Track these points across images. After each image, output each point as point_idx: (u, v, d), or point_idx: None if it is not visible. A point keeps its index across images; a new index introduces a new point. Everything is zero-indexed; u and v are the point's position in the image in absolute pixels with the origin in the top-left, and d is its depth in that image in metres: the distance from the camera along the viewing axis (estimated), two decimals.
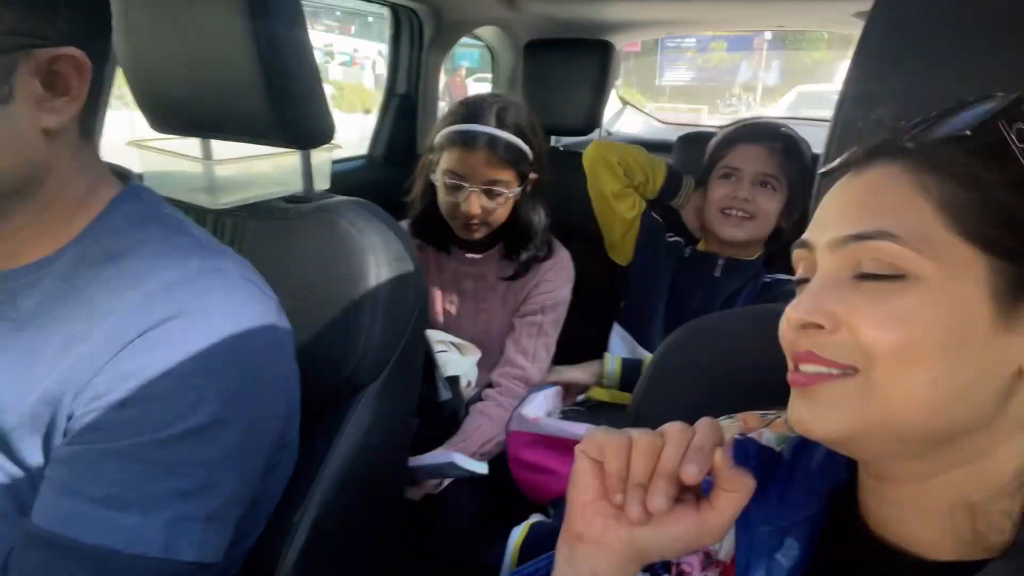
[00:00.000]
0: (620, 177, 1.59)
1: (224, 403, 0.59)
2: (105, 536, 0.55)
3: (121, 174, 0.68)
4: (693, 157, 1.74)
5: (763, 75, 13.77)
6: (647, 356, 1.52)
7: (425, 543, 1.18)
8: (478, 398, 1.41)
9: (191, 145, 0.95)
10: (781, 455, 0.55)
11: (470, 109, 1.33)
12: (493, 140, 1.30)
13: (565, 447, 1.31)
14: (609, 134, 2.38)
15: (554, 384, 1.50)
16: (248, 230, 0.86)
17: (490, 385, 1.43)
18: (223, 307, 0.61)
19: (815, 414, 0.44)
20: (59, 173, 0.60)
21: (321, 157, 0.96)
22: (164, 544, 0.56)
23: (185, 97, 0.83)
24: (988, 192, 0.41)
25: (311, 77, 0.79)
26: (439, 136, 1.35)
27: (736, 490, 0.46)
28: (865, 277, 0.43)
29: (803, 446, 0.54)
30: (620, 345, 1.61)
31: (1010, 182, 0.41)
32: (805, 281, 0.48)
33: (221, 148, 0.96)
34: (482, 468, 1.17)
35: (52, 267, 0.61)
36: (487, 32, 2.22)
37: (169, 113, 0.86)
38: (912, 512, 0.46)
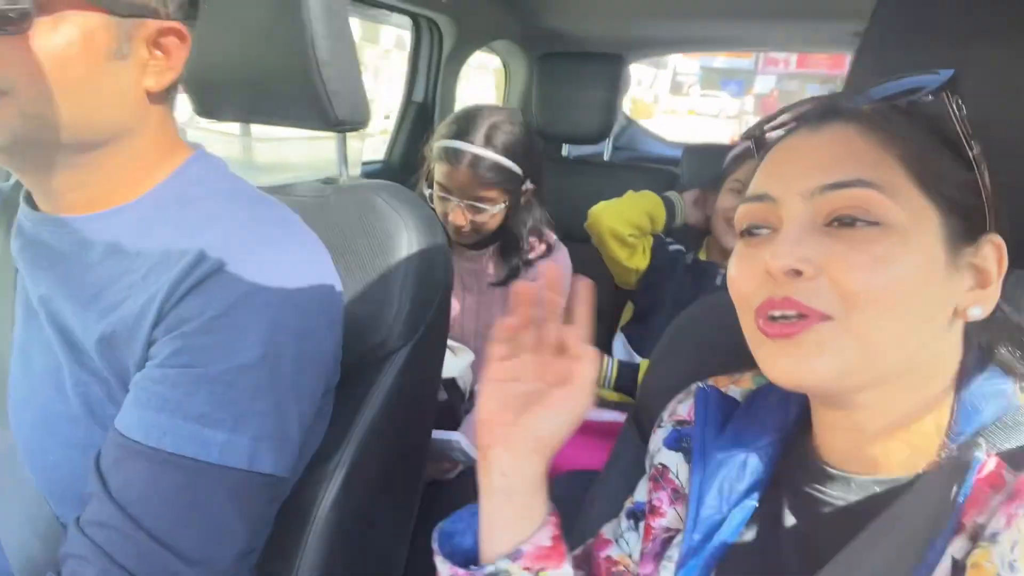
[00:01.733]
0: (630, 242, 1.61)
1: (293, 333, 0.65)
2: (201, 450, 0.61)
3: (192, 145, 0.76)
4: (700, 168, 1.81)
5: None
6: (644, 362, 1.56)
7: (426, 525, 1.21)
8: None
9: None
10: (739, 401, 0.61)
11: (461, 125, 1.36)
12: (477, 160, 1.33)
13: None
14: (616, 148, 2.44)
15: None
16: (289, 205, 0.92)
17: None
18: (292, 247, 0.68)
19: (802, 363, 0.45)
20: (148, 132, 0.68)
21: (353, 145, 1.01)
22: (249, 458, 0.63)
23: (230, 82, 0.88)
24: (934, 151, 0.46)
25: (350, 63, 0.84)
26: (433, 148, 1.40)
27: (581, 356, 0.56)
28: (841, 225, 0.45)
29: (758, 392, 0.60)
30: (621, 351, 1.66)
31: (946, 144, 0.46)
32: (750, 234, 0.51)
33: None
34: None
35: (128, 213, 0.68)
36: (501, 46, 2.30)
37: (214, 98, 0.92)
38: (860, 435, 0.49)
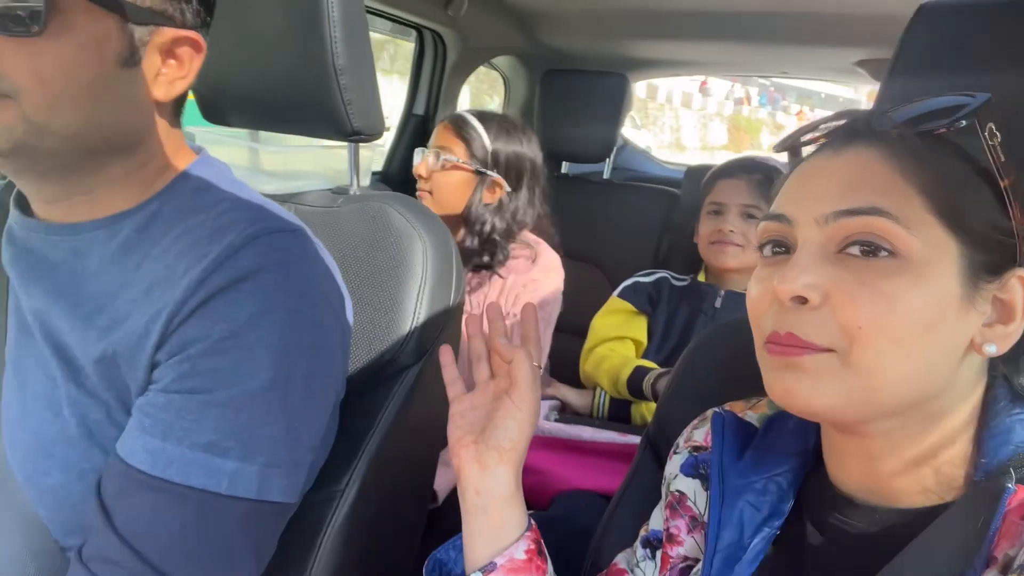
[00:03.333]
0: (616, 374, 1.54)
1: (302, 353, 0.62)
2: (209, 481, 0.58)
3: (194, 148, 0.72)
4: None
5: None
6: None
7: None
8: None
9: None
10: (757, 428, 0.59)
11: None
12: (455, 116, 1.48)
13: (564, 447, 1.33)
14: (614, 169, 2.44)
15: (551, 399, 1.54)
16: (297, 215, 0.90)
17: None
18: (302, 262, 0.65)
19: (802, 387, 0.44)
20: (154, 140, 0.65)
21: (364, 155, 1.00)
22: (258, 487, 0.60)
23: (243, 88, 0.87)
24: (959, 181, 0.44)
25: (368, 71, 0.83)
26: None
27: (514, 357, 0.62)
28: (852, 254, 0.44)
29: (776, 418, 0.59)
30: None
31: (976, 173, 0.45)
32: (769, 253, 0.50)
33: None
34: None
35: (128, 220, 0.64)
36: (502, 62, 2.30)
37: (225, 103, 0.90)
38: (876, 464, 0.48)
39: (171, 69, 0.62)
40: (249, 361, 0.59)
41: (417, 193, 1.46)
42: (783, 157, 0.56)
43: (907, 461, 0.47)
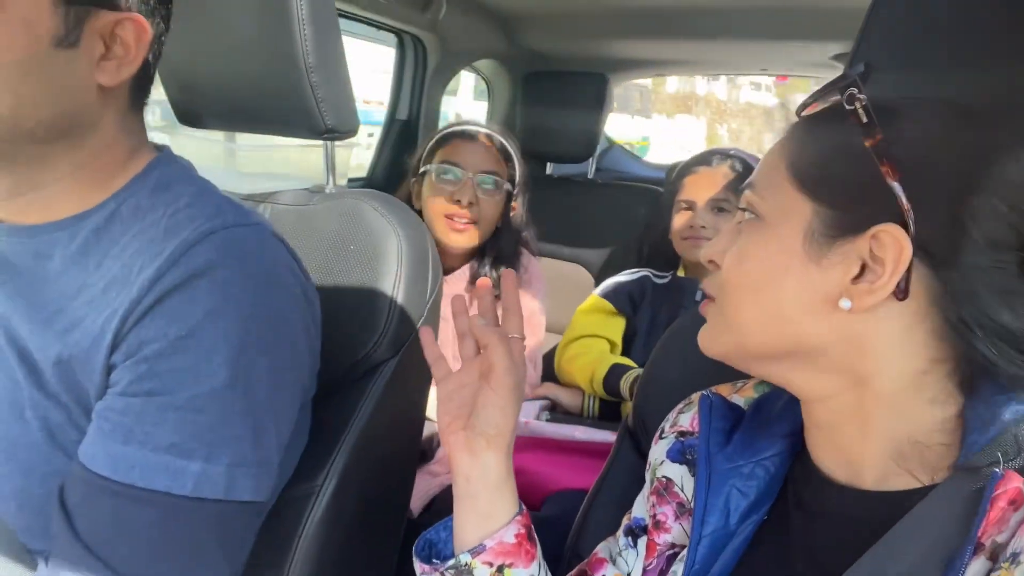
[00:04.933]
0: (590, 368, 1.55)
1: (263, 351, 0.61)
2: (174, 483, 0.57)
3: (156, 146, 0.72)
4: None
5: None
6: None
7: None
8: None
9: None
10: (744, 411, 0.60)
11: (461, 122, 1.43)
12: (490, 136, 1.40)
13: (556, 447, 1.33)
14: (599, 170, 2.44)
15: (542, 398, 1.54)
16: (272, 214, 0.90)
17: None
18: (260, 257, 0.64)
19: (703, 333, 0.55)
20: (106, 132, 0.63)
21: (341, 154, 1.00)
22: (225, 487, 0.59)
23: (215, 89, 0.86)
24: (824, 149, 0.49)
25: (340, 69, 0.83)
26: (433, 141, 1.41)
27: (488, 342, 0.61)
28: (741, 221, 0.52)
29: (764, 400, 0.59)
30: None
31: (850, 140, 0.46)
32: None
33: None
34: None
35: (87, 220, 0.63)
36: (484, 65, 2.30)
37: (198, 106, 0.90)
38: (848, 444, 0.49)
39: (116, 54, 0.60)
40: (207, 360, 0.58)
41: (458, 227, 1.37)
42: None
43: (877, 440, 0.47)
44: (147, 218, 0.63)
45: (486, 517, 0.60)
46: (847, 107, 0.45)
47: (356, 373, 0.80)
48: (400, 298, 0.80)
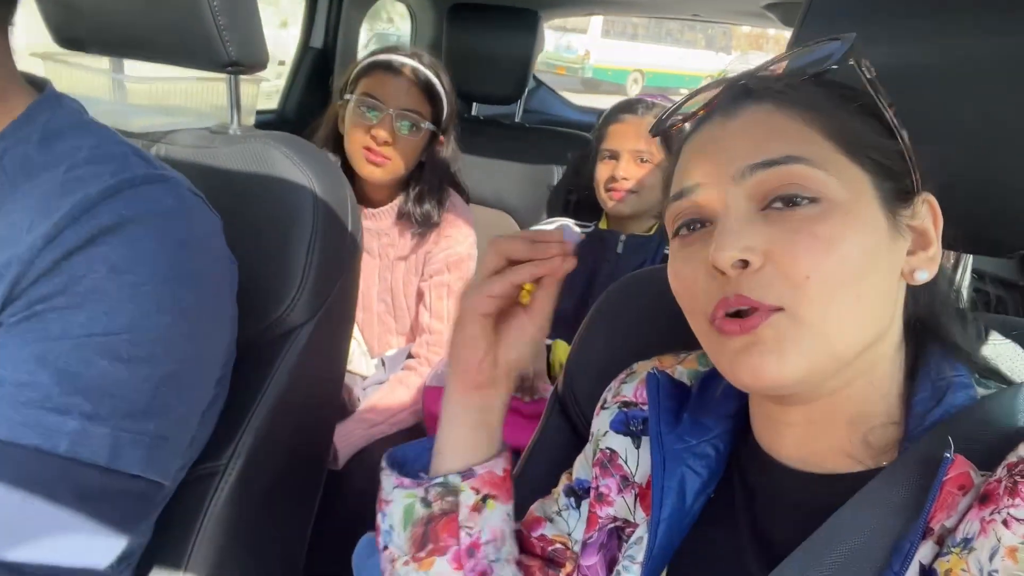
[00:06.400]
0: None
1: (181, 316, 0.56)
2: (45, 438, 0.51)
3: (34, 82, 0.62)
4: None
5: None
6: (556, 344, 1.53)
7: (340, 505, 1.15)
8: None
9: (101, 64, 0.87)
10: (690, 388, 0.58)
11: (388, 49, 1.36)
12: (415, 71, 1.33)
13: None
14: (526, 111, 2.37)
15: None
16: (171, 158, 0.80)
17: (411, 356, 1.41)
18: (176, 215, 0.58)
19: (767, 360, 0.42)
20: None
21: (248, 89, 0.90)
22: (109, 453, 0.53)
23: (100, 8, 0.76)
24: (853, 118, 0.45)
25: None
26: (357, 68, 1.35)
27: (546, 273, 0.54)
28: (784, 206, 0.43)
29: (709, 377, 0.57)
30: None
31: (860, 109, 0.45)
32: (685, 232, 0.47)
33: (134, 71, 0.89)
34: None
35: None
36: None
37: (80, 26, 0.79)
38: (812, 429, 0.47)
39: None
40: (107, 315, 0.53)
41: (376, 162, 1.31)
42: (678, 96, 0.55)
43: (844, 424, 0.46)
44: (41, 175, 0.55)
45: (476, 446, 0.56)
46: (867, 75, 0.44)
47: (266, 339, 0.74)
48: (316, 255, 0.73)
